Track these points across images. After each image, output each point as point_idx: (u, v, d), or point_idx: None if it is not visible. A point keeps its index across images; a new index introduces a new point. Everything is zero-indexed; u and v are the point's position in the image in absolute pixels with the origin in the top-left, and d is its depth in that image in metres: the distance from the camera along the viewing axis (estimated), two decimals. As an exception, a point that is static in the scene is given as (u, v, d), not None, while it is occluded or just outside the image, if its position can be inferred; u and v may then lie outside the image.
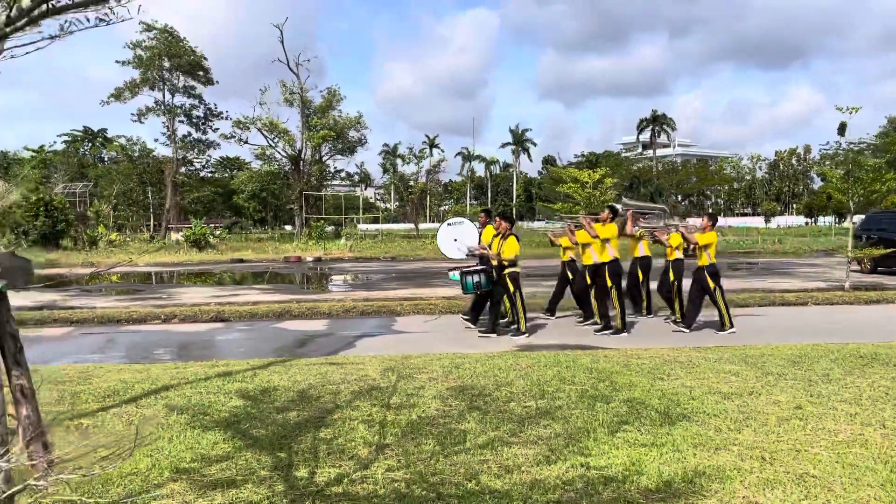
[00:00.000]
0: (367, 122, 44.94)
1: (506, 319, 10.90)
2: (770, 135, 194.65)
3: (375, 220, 74.82)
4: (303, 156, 44.01)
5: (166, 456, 4.40)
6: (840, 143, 62.33)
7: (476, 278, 10.41)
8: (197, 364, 7.68)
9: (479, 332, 10.36)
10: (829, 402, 5.65)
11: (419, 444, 4.60)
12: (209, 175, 61.38)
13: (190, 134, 44.49)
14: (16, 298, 15.75)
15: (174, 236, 42.51)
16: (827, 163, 65.01)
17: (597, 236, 10.20)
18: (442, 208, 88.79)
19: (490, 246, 10.34)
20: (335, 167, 48.50)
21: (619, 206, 11.97)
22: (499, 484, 3.91)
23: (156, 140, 72.77)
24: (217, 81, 43.17)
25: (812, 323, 11.24)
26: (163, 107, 43.10)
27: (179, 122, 44.05)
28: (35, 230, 34.31)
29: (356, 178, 54.73)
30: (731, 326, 10.00)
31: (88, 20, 2.82)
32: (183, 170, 45.74)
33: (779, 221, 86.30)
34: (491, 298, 10.44)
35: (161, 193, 45.54)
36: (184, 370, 7.17)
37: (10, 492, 2.25)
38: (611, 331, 10.01)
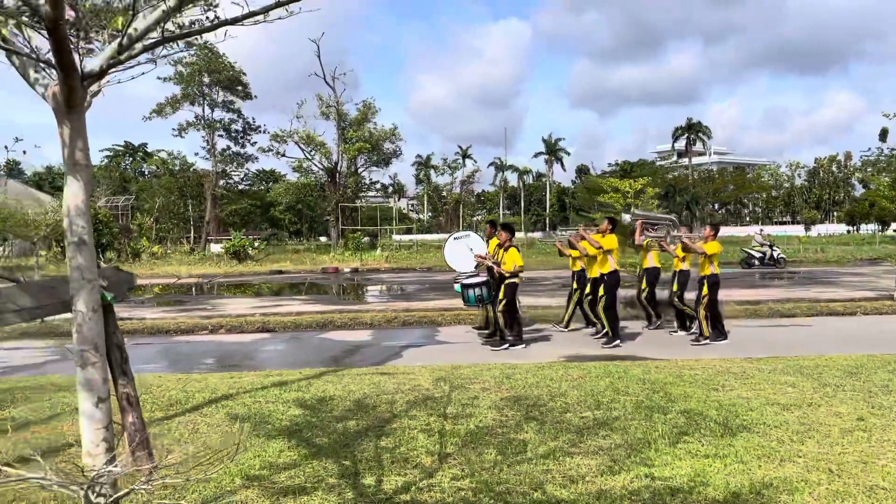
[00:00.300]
0: (402, 134, 45.28)
1: (487, 331, 10.85)
2: (808, 141, 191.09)
3: (409, 231, 75.23)
4: (339, 168, 44.51)
5: (236, 463, 4.52)
6: (882, 150, 60.86)
7: (478, 291, 10.43)
8: (251, 374, 7.84)
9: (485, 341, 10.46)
10: (892, 413, 5.56)
11: (480, 453, 4.65)
12: (246, 188, 62.49)
13: (229, 148, 45.39)
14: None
15: (214, 248, 43.28)
16: (869, 169, 63.53)
17: (600, 247, 10.20)
18: (475, 218, 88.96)
19: (494, 256, 10.29)
20: (370, 179, 48.93)
21: (627, 216, 11.95)
22: (565, 494, 3.94)
23: (196, 154, 74.07)
24: (255, 96, 43.98)
25: (862, 333, 11.01)
26: (203, 121, 44.03)
27: (219, 136, 44.94)
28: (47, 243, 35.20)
29: (390, 189, 55.16)
30: (704, 338, 9.97)
31: (178, 45, 2.96)
32: (222, 183, 46.58)
33: (819, 230, 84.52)
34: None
35: (201, 206, 46.43)
36: (239, 380, 7.33)
37: (116, 496, 2.36)
38: (618, 340, 9.95)
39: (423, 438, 4.98)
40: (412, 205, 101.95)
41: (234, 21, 2.05)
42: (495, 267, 10.19)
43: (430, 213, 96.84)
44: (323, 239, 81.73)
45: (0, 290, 2.40)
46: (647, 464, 4.39)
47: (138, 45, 2.23)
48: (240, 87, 43.66)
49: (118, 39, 2.24)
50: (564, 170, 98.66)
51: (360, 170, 46.40)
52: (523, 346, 9.92)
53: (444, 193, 49.97)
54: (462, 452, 4.67)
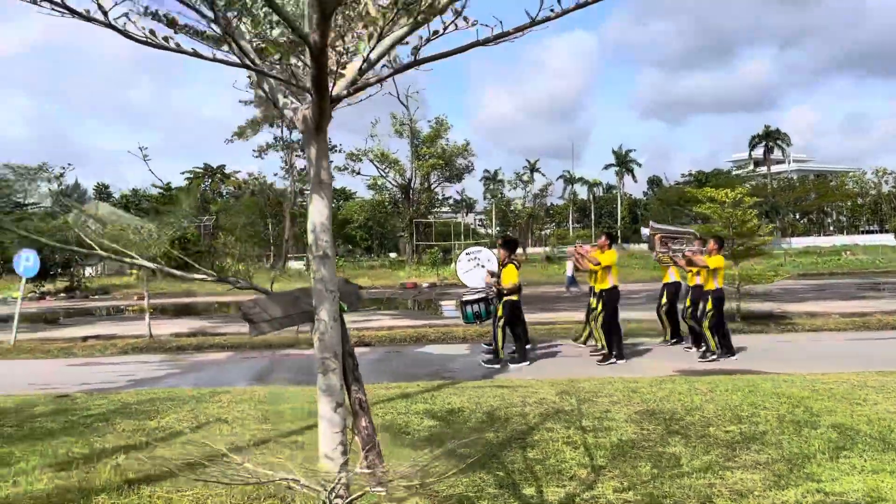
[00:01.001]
0: (473, 149, 45.55)
1: (491, 347, 10.42)
2: (894, 147, 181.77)
3: (477, 243, 75.30)
4: (412, 184, 45.12)
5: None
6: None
7: (475, 307, 10.42)
8: (370, 386, 7.99)
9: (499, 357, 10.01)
10: None
11: (634, 466, 4.61)
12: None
13: (306, 167, 46.59)
14: (173, 325, 16.90)
15: (292, 265, 44.43)
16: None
17: (598, 264, 9.98)
18: (544, 232, 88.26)
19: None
20: (443, 194, 49.36)
21: (646, 231, 11.54)
22: (736, 508, 3.86)
23: (275, 174, 76.35)
24: (331, 116, 44.99)
25: None
26: (281, 142, 45.43)
27: (296, 156, 46.23)
28: (172, 262, 36.76)
29: (462, 203, 55.50)
30: (713, 354, 9.71)
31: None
32: (300, 201, 47.87)
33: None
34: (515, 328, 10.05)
35: (280, 225, 47.79)
36: (377, 391, 7.50)
37: (351, 498, 2.46)
38: (614, 359, 9.71)
39: (569, 451, 4.98)
40: (480, 220, 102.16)
41: (486, 42, 2.14)
42: (494, 284, 10.15)
43: (498, 228, 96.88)
44: (393, 255, 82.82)
45: (257, 300, 2.55)
46: (813, 479, 4.26)
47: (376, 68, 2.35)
48: (317, 109, 44.86)
49: (359, 64, 2.37)
50: (636, 181, 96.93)
51: (433, 186, 46.90)
52: (612, 359, 9.75)
53: (516, 208, 49.91)
54: (615, 465, 4.65)
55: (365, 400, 2.85)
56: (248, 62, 2.35)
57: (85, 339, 15.10)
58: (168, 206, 60.47)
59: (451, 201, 51.63)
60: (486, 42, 2.13)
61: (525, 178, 49.92)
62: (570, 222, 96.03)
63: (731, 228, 13.87)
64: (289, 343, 13.21)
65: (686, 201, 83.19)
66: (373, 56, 2.39)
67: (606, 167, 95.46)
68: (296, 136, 46.26)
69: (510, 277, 9.67)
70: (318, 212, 2.52)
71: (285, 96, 2.52)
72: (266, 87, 2.50)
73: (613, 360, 9.72)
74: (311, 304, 2.47)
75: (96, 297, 31.54)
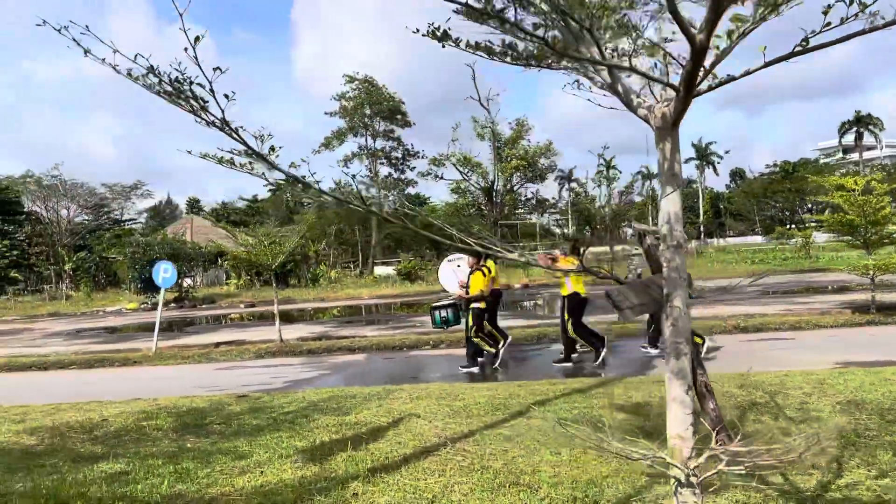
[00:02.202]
0: (556, 149, 45.31)
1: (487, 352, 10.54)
2: None
3: (554, 246, 74.68)
4: (495, 186, 45.25)
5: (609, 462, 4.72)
6: None
7: (443, 313, 10.90)
8: (535, 382, 8.14)
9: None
10: None
11: (872, 454, 4.55)
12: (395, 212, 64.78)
13: (390, 174, 47.48)
14: (294, 331, 17.50)
15: (378, 270, 45.27)
16: None
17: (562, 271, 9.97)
18: (626, 230, 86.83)
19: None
20: (526, 195, 49.29)
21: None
22: None
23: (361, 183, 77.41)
24: (414, 123, 45.83)
25: None
26: (365, 151, 46.42)
27: (380, 163, 47.16)
28: (269, 271, 38.06)
29: (537, 205, 55.24)
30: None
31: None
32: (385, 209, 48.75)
33: None
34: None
35: (366, 232, 48.80)
36: (536, 387, 7.64)
37: (703, 476, 2.57)
38: (570, 363, 10.03)
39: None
40: (556, 220, 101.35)
41: (872, 29, 2.21)
42: (460, 291, 10.50)
43: (573, 227, 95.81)
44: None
45: (619, 289, 2.70)
46: None
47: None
48: (399, 116, 45.66)
49: (716, 59, 2.48)
50: (717, 174, 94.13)
51: (515, 187, 46.92)
52: (567, 362, 10.03)
53: (599, 206, 49.52)
54: (849, 453, 4.60)
55: (709, 383, 2.96)
56: (617, 63, 2.48)
57: (217, 345, 15.85)
58: (256, 217, 62.65)
59: (534, 202, 51.35)
60: (872, 30, 2.20)
61: (610, 175, 49.26)
62: (650, 218, 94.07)
63: (864, 217, 13.37)
64: (411, 344, 13.52)
65: (774, 192, 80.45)
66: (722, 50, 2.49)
67: (686, 161, 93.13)
68: (379, 143, 47.24)
69: (476, 285, 10.02)
70: (672, 203, 2.64)
71: (637, 96, 2.65)
72: (620, 88, 2.63)
73: (570, 362, 10.05)
74: (659, 293, 2.59)
75: (203, 306, 32.97)
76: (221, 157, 2.69)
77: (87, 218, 65.50)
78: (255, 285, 39.95)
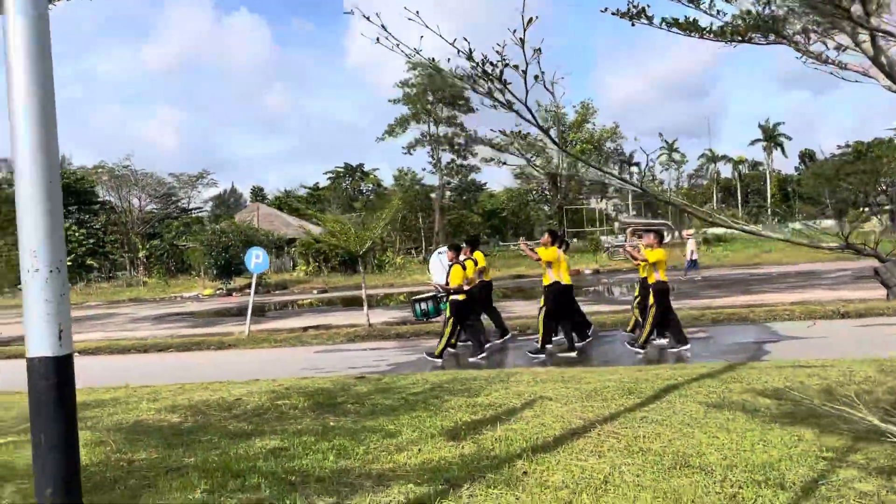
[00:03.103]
0: (622, 132, 44.52)
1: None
2: None
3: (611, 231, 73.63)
4: (560, 171, 44.76)
5: (792, 445, 4.64)
6: None
7: (423, 305, 11.53)
8: (661, 367, 8.08)
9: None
10: None
11: None
12: (455, 198, 65.07)
13: (453, 161, 47.50)
14: (374, 315, 17.71)
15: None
16: None
17: (539, 259, 10.27)
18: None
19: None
20: (589, 180, 48.56)
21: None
22: None
23: (423, 169, 77.32)
24: (476, 109, 45.65)
25: None
26: (428, 138, 46.53)
27: (443, 150, 47.21)
28: (336, 257, 38.72)
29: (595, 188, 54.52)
30: (643, 349, 9.83)
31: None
32: (447, 195, 48.92)
33: None
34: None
35: (429, 218, 49.03)
36: (660, 371, 7.58)
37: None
38: (543, 356, 10.04)
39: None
40: (616, 205, 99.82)
41: None
42: (438, 286, 10.86)
43: (633, 213, 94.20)
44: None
45: (887, 266, 2.66)
46: None
47: None
48: (462, 102, 45.57)
49: None
50: (786, 157, 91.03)
51: (580, 171, 46.34)
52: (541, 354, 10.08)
53: (667, 190, 48.64)
54: None
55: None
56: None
57: (305, 329, 16.21)
58: (317, 204, 63.61)
59: (598, 187, 50.55)
60: None
61: (681, 158, 48.18)
62: (714, 203, 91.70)
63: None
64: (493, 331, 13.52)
65: (846, 174, 77.14)
66: None
67: (752, 143, 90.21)
68: (442, 130, 47.27)
69: (455, 279, 10.28)
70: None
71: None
72: (885, 59, 2.55)
73: (543, 355, 10.03)
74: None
75: (276, 292, 33.74)
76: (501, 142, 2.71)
77: (156, 207, 67.72)
78: (322, 272, 40.66)
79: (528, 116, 2.64)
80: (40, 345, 2.64)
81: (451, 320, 10.39)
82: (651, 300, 9.88)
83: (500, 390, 7.02)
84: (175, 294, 36.20)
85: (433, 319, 12.10)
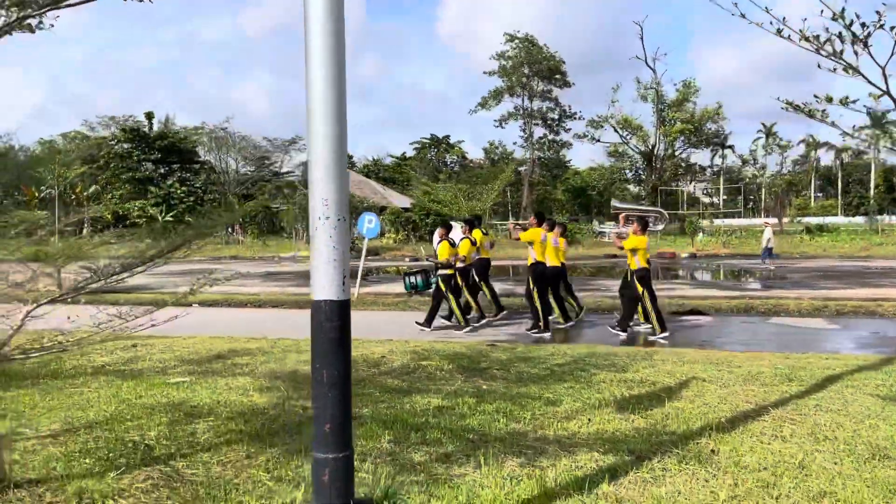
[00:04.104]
0: (725, 113, 42.76)
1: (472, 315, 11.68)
2: None
3: (716, 216, 71.18)
4: (655, 151, 43.59)
5: None
6: None
7: (412, 279, 12.47)
8: (815, 356, 7.84)
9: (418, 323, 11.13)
10: None
11: None
12: (544, 174, 64.33)
13: (545, 136, 46.96)
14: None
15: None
16: None
17: (517, 239, 10.99)
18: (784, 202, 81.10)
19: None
20: (687, 162, 47.13)
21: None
22: None
23: (514, 143, 76.73)
24: (573, 83, 44.85)
25: None
26: (522, 111, 46.08)
27: (535, 124, 46.68)
28: (425, 227, 39.11)
29: (708, 172, 52.73)
30: (663, 331, 9.92)
31: None
32: (537, 170, 48.50)
33: None
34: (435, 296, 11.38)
35: (518, 193, 48.79)
36: (822, 361, 7.36)
37: None
38: (536, 330, 10.48)
39: None
40: (705, 189, 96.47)
41: None
42: (430, 259, 11.56)
43: (724, 197, 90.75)
44: (610, 223, 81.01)
45: None
46: None
47: None
48: (558, 76, 44.84)
49: None
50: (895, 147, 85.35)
51: (677, 152, 44.95)
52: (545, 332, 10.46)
53: (754, 175, 46.56)
54: None
55: None
56: None
57: (410, 294, 16.48)
58: (403, 174, 64.26)
59: (696, 168, 48.99)
60: None
61: (786, 144, 45.97)
62: (812, 191, 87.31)
63: None
64: (608, 308, 13.36)
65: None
66: None
67: (859, 129, 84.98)
68: (536, 104, 46.71)
69: (441, 254, 11.04)
70: None
71: None
72: None
73: (539, 331, 10.41)
74: None
75: (369, 257, 34.39)
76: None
77: (250, 169, 70.11)
78: (411, 240, 41.20)
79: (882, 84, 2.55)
80: (327, 289, 2.77)
81: (447, 292, 11.06)
82: (640, 288, 10.11)
83: (648, 368, 6.96)
84: (272, 254, 37.47)
85: (422, 293, 12.78)
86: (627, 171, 46.38)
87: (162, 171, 55.52)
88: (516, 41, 44.12)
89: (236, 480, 3.97)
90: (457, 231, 12.91)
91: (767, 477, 3.97)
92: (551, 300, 11.12)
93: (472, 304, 11.83)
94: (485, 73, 45.81)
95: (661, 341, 9.79)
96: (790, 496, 3.74)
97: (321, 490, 2.79)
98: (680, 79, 62.52)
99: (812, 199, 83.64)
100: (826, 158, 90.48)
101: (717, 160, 79.61)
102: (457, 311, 11.20)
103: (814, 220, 48.04)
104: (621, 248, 10.46)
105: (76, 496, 3.69)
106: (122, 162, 53.50)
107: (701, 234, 39.12)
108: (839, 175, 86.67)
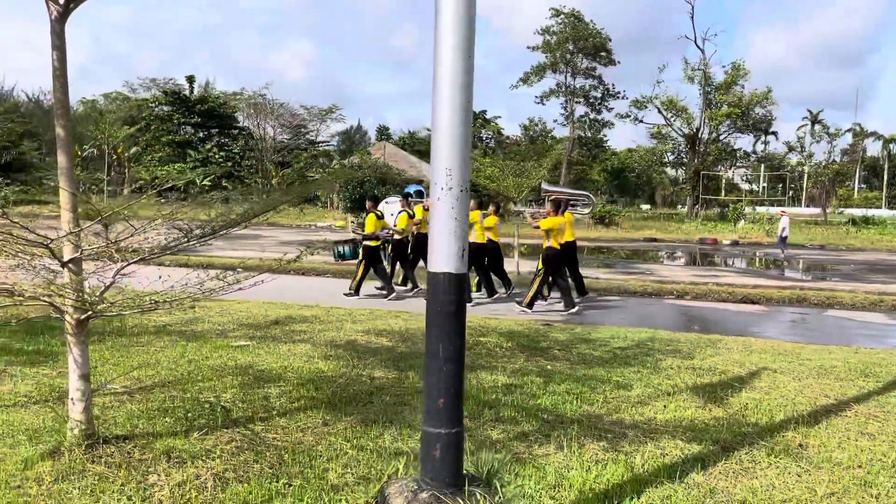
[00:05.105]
0: (774, 98, 41.56)
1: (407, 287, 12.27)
2: None
3: (761, 203, 69.79)
4: (700, 134, 42.66)
5: None
6: None
7: (341, 248, 12.37)
8: (879, 352, 7.61)
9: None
10: None
11: None
12: (583, 154, 63.41)
13: (586, 114, 46.22)
14: (513, 264, 17.69)
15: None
16: None
17: (538, 227, 10.98)
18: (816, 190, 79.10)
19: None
20: (731, 146, 46.05)
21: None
22: None
23: (554, 121, 75.44)
24: (618, 62, 43.95)
25: None
26: (564, 89, 45.36)
27: (576, 102, 45.94)
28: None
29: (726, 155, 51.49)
30: (528, 307, 10.19)
31: None
32: (575, 151, 47.82)
33: None
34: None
35: (555, 171, 48.22)
36: (887, 356, 7.14)
37: None
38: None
39: None
40: (744, 175, 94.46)
41: None
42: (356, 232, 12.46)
43: (765, 184, 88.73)
44: (646, 207, 79.85)
45: None
46: None
47: None
48: (604, 54, 43.96)
49: None
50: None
51: (722, 136, 43.94)
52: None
53: (799, 163, 45.38)
54: None
55: None
56: None
57: (338, 262, 16.25)
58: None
59: (741, 153, 47.85)
60: None
61: (835, 131, 44.66)
62: (856, 182, 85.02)
63: None
64: (653, 291, 13.12)
65: None
66: None
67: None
68: (579, 82, 45.95)
69: (367, 226, 11.42)
70: None
71: None
72: None
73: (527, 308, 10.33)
74: None
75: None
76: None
77: (286, 137, 70.29)
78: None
79: None
80: (446, 261, 2.69)
81: (364, 262, 11.42)
82: (540, 266, 10.43)
83: (714, 356, 6.81)
84: (309, 222, 37.67)
85: (348, 261, 13.00)
86: (669, 154, 45.40)
87: (201, 135, 55.93)
88: (562, 16, 43.32)
89: (318, 447, 3.96)
90: (395, 205, 13.37)
91: (863, 475, 3.84)
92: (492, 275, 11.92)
93: (408, 275, 12.42)
94: (528, 47, 45.16)
95: (520, 310, 10.16)
96: (890, 496, 3.62)
97: (432, 465, 2.74)
98: (727, 61, 61.07)
99: (855, 191, 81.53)
100: (872, 149, 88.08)
101: (759, 146, 77.97)
102: (356, 278, 11.44)
103: (857, 212, 46.83)
104: (536, 228, 10.82)
105: (164, 454, 3.71)
106: (163, 125, 53.97)
107: (742, 221, 38.37)
108: (885, 166, 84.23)
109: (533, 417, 4.66)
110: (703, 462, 3.95)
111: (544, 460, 3.90)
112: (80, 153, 46.06)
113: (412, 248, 12.47)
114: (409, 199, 12.74)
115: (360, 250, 11.75)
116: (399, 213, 12.12)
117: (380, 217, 11.70)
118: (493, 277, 12.03)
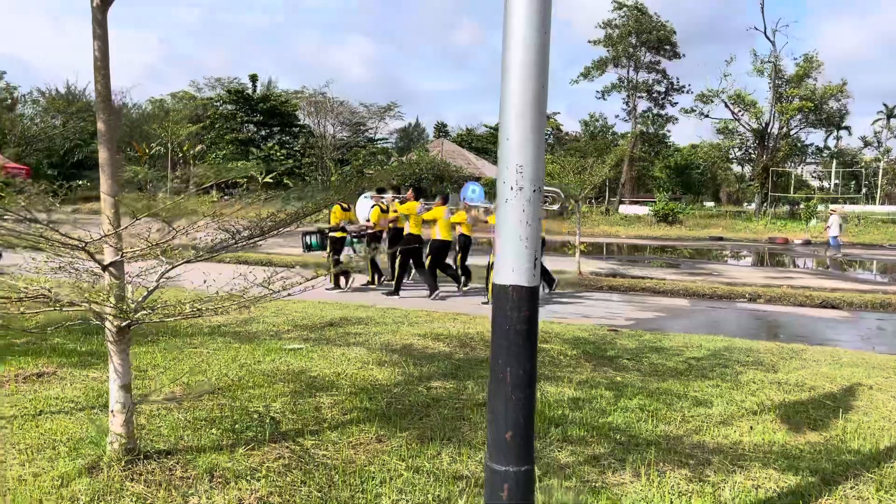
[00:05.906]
0: (850, 92, 39.44)
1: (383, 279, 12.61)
2: None
3: (835, 201, 66.70)
4: (769, 129, 40.88)
5: None
6: None
7: (308, 239, 12.23)
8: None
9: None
10: None
11: None
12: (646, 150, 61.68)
13: (649, 109, 44.90)
14: (573, 264, 17.14)
15: (621, 209, 43.54)
16: None
17: (395, 212, 11.74)
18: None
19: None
20: (802, 142, 44.01)
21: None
22: None
23: (616, 116, 73.85)
24: (683, 55, 42.49)
25: None
26: (626, 83, 44.18)
27: (639, 97, 44.71)
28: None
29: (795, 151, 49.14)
30: (394, 295, 10.93)
31: None
32: (638, 145, 46.55)
33: None
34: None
35: (618, 167, 47.05)
36: None
37: None
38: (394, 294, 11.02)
39: None
40: (814, 172, 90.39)
41: None
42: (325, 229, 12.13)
43: (836, 181, 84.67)
44: (709, 204, 77.23)
45: None
46: None
47: None
48: (668, 47, 42.60)
49: None
50: None
51: (793, 131, 42.00)
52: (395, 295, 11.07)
53: (876, 158, 42.81)
54: None
55: None
56: None
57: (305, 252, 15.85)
58: (496, 144, 63.72)
59: (812, 149, 45.68)
60: None
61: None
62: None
63: None
64: (724, 294, 12.41)
65: None
66: None
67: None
68: (642, 76, 44.70)
69: (332, 217, 11.55)
70: None
71: None
72: None
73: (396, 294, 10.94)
74: None
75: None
76: None
77: (346, 135, 70.90)
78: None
79: None
80: (516, 272, 2.32)
81: (331, 254, 11.52)
82: (427, 253, 11.02)
83: (801, 369, 6.24)
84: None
85: (315, 252, 12.76)
86: (736, 150, 43.66)
87: (263, 133, 56.86)
88: (625, 9, 42.12)
89: (370, 468, 3.65)
90: (368, 200, 13.04)
91: None
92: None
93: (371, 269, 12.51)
94: (589, 41, 44.06)
95: (376, 290, 11.01)
96: None
97: (498, 507, 2.38)
98: (799, 53, 58.34)
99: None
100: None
101: (831, 141, 74.27)
102: (331, 269, 11.20)
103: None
104: (419, 214, 11.15)
105: (207, 473, 3.46)
106: (227, 123, 55.09)
107: (815, 219, 36.59)
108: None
109: (604, 438, 4.26)
110: (802, 497, 3.48)
111: (620, 490, 3.50)
112: (147, 151, 47.44)
113: (389, 242, 12.43)
114: (382, 192, 12.64)
115: (328, 242, 11.84)
116: (371, 207, 12.05)
117: (345, 209, 11.80)
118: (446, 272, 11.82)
